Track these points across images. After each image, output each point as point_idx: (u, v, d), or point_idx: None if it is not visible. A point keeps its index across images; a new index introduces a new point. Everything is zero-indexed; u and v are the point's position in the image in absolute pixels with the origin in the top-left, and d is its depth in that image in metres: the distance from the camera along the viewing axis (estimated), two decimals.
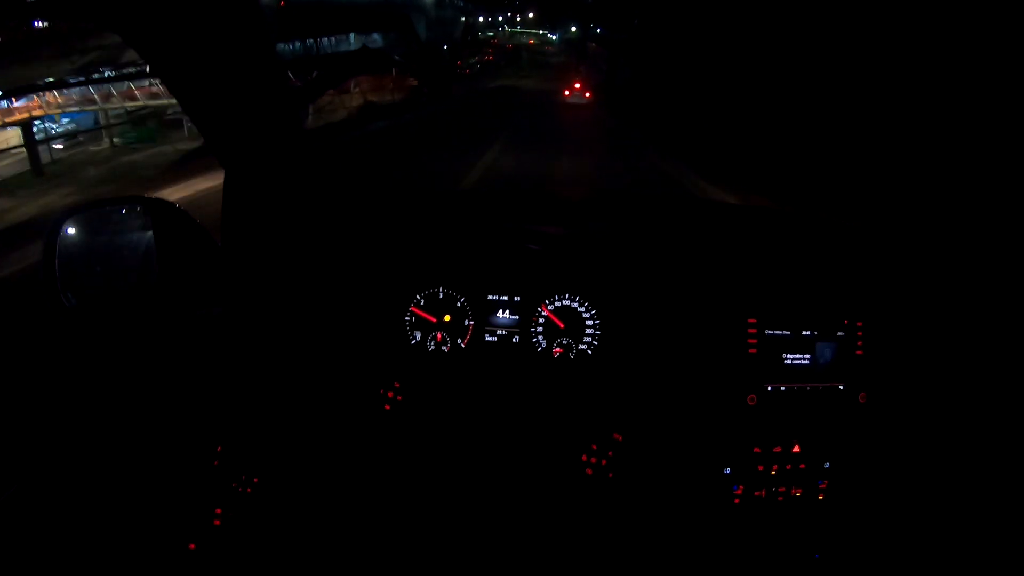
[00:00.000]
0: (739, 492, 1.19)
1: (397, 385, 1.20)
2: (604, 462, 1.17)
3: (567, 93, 23.12)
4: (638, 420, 1.19)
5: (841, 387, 1.19)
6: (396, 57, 25.63)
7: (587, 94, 23.55)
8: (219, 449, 1.12)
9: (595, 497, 1.19)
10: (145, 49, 0.96)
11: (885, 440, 1.21)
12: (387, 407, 1.21)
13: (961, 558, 1.19)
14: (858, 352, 1.20)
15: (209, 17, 0.94)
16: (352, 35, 27.30)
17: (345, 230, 1.30)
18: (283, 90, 1.11)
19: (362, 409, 1.20)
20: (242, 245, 1.17)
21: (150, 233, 1.04)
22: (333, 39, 26.36)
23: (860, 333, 1.20)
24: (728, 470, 1.19)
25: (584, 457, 1.17)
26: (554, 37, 65.14)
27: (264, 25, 1.05)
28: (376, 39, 28.43)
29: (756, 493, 1.20)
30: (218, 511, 1.10)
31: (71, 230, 1.03)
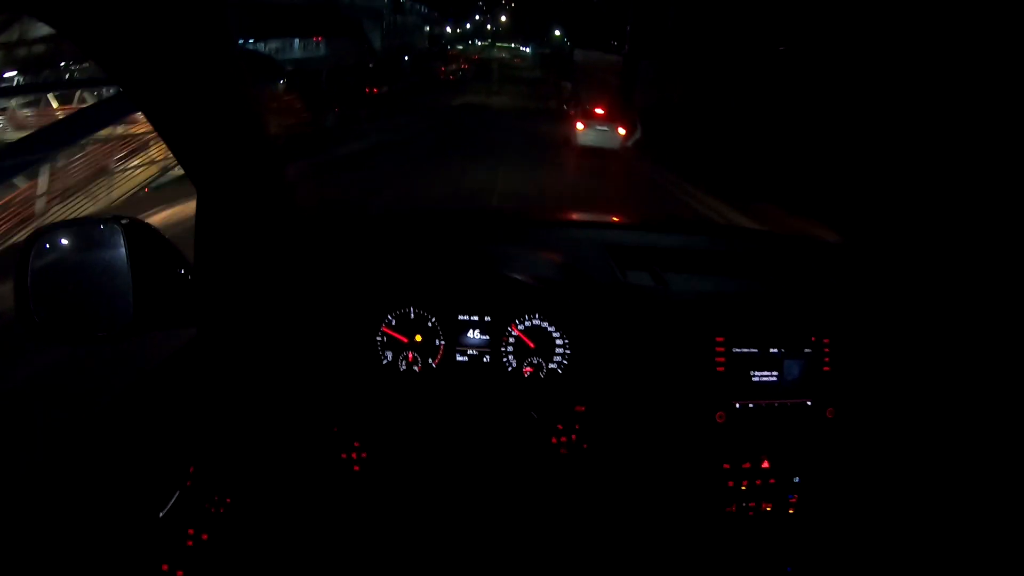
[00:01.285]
0: (710, 508, 1.26)
1: (357, 445, 1.25)
2: (574, 436, 1.22)
3: (580, 126, 13.49)
4: (606, 435, 1.24)
5: (809, 403, 1.27)
6: (287, 68, 19.84)
7: (620, 129, 13.56)
8: (191, 470, 1.16)
9: (566, 508, 1.24)
10: (107, 61, 0.96)
11: (853, 454, 1.29)
12: (356, 468, 1.25)
13: (930, 569, 1.26)
14: (825, 368, 1.27)
15: (176, 31, 0.96)
16: (296, 41, 25.10)
17: (316, 251, 1.35)
18: (255, 109, 1.15)
19: (328, 465, 1.24)
20: (215, 266, 1.21)
21: (123, 252, 1.07)
22: (264, 44, 23.77)
23: (827, 350, 1.27)
24: (698, 487, 1.26)
25: (554, 439, 1.23)
26: (527, 50, 65.40)
27: (233, 41, 1.08)
28: (320, 48, 26.34)
29: (727, 508, 1.26)
30: (191, 531, 1.13)
31: (46, 247, 1.06)
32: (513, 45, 69.54)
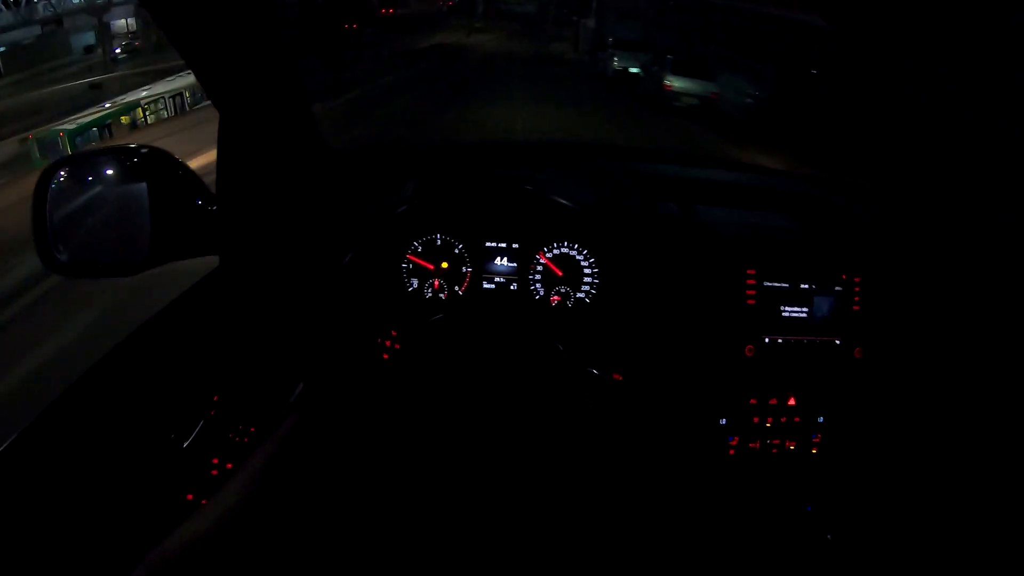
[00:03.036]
0: (734, 443, 1.31)
1: (395, 334, 1.28)
2: (604, 402, 1.26)
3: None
4: (635, 364, 1.28)
5: (837, 341, 1.30)
6: None
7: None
8: (215, 399, 1.22)
9: (593, 438, 1.27)
10: None
11: (879, 396, 1.33)
12: (385, 356, 1.29)
13: (952, 517, 1.31)
14: (855, 307, 1.30)
15: None
16: None
17: (341, 178, 1.39)
18: (279, 34, 1.19)
19: (359, 358, 1.28)
20: (237, 193, 1.26)
21: (143, 183, 1.12)
22: None
23: (858, 288, 1.30)
24: (724, 420, 1.30)
25: (585, 394, 1.26)
26: None
27: None
28: None
29: (751, 445, 1.31)
30: (215, 461, 1.20)
31: (62, 180, 1.11)
32: None
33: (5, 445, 1.03)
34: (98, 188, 1.17)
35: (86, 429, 1.14)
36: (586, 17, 28.77)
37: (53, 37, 27.05)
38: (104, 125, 16.50)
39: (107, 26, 28.31)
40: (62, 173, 1.13)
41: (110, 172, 1.18)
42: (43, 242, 1.09)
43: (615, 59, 19.10)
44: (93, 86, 21.21)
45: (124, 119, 17.09)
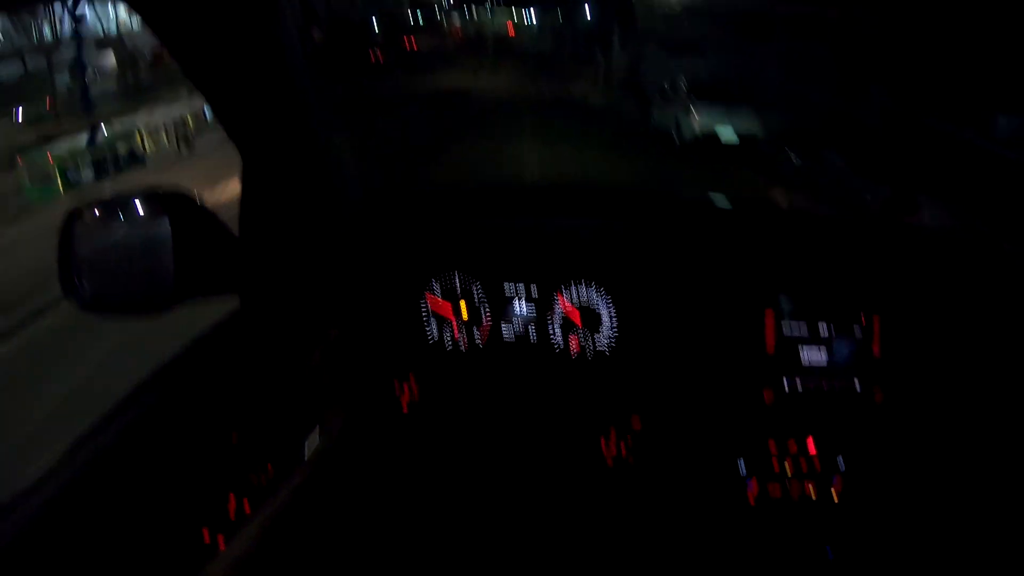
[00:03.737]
0: (753, 488, 1.33)
1: (412, 378, 1.32)
2: (624, 450, 1.30)
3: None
4: (655, 412, 1.32)
5: (857, 385, 1.32)
6: None
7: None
8: (234, 437, 1.25)
9: (614, 488, 1.32)
10: (154, 23, 1.05)
11: (901, 440, 1.34)
12: (404, 409, 1.33)
13: (976, 563, 1.31)
14: (875, 350, 1.32)
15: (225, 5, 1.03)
16: None
17: (362, 219, 1.43)
18: (301, 77, 1.24)
19: (379, 406, 1.32)
20: (259, 233, 1.30)
21: (167, 223, 1.16)
22: None
23: (878, 330, 1.32)
24: (742, 464, 1.32)
25: (603, 444, 1.30)
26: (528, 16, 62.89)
27: (277, 8, 1.15)
28: None
29: (770, 490, 1.33)
30: (231, 498, 1.22)
31: (88, 219, 1.17)
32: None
33: (33, 482, 1.05)
34: (123, 228, 1.22)
35: (107, 464, 1.16)
36: (608, 50, 23.84)
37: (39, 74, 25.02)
38: (99, 151, 15.83)
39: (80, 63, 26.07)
40: (87, 212, 1.18)
41: (134, 212, 1.21)
42: (68, 280, 1.14)
43: (694, 115, 11.83)
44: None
45: (122, 145, 16.41)
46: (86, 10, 22.77)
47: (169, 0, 0.99)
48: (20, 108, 18.16)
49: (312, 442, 1.25)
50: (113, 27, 22.95)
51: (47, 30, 23.89)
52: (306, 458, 1.23)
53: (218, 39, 1.09)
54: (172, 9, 1.01)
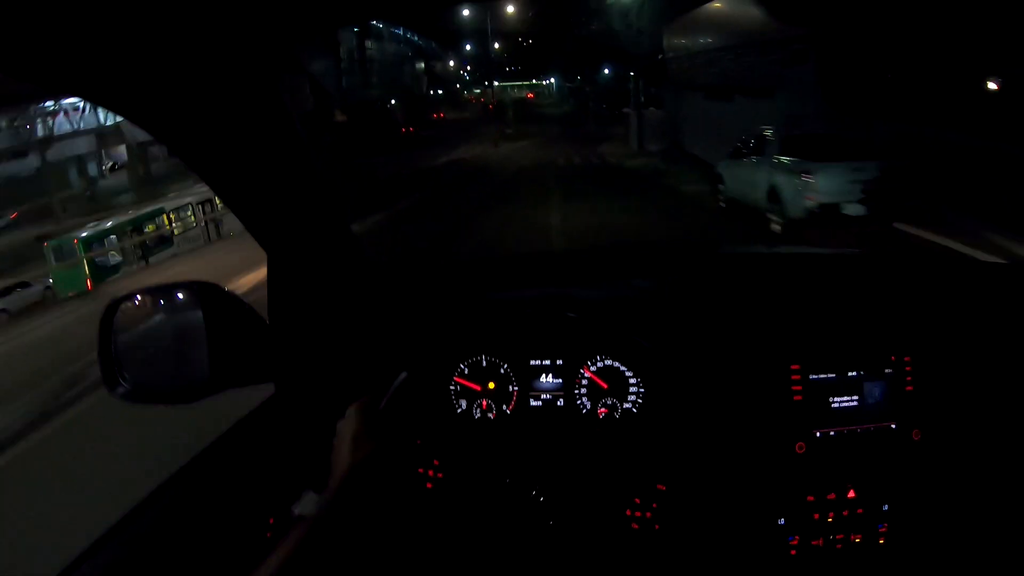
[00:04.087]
0: (795, 543, 1.31)
1: (437, 463, 1.34)
2: (649, 515, 1.30)
3: None
4: (684, 473, 1.31)
5: (893, 426, 1.31)
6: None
7: None
8: (272, 521, 1.28)
9: (643, 553, 1.31)
10: (168, 138, 1.09)
11: (943, 477, 1.32)
12: (428, 485, 1.35)
13: None
14: (908, 388, 1.31)
15: (230, 99, 1.09)
16: None
17: (387, 304, 1.49)
18: (315, 170, 1.30)
19: (403, 486, 1.34)
20: (289, 323, 1.36)
21: (200, 314, 1.21)
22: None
23: (909, 368, 1.31)
24: (782, 521, 1.31)
25: (628, 512, 1.30)
26: (547, 83, 62.50)
27: (286, 104, 1.21)
28: None
29: (813, 543, 1.31)
30: None
31: (125, 311, 1.23)
32: (535, 82, 66.03)
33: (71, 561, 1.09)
34: (158, 320, 1.29)
35: (139, 552, 1.18)
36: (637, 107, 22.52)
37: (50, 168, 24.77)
38: (123, 233, 15.40)
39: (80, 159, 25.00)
40: (125, 305, 1.24)
41: (168, 304, 1.30)
42: (108, 370, 1.20)
43: (805, 181, 8.74)
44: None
45: (150, 227, 16.13)
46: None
47: (160, 100, 1.02)
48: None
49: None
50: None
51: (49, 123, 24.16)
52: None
53: (217, 132, 1.13)
54: (166, 109, 1.05)
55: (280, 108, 1.17)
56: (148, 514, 1.22)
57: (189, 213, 17.19)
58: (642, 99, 23.22)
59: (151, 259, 15.19)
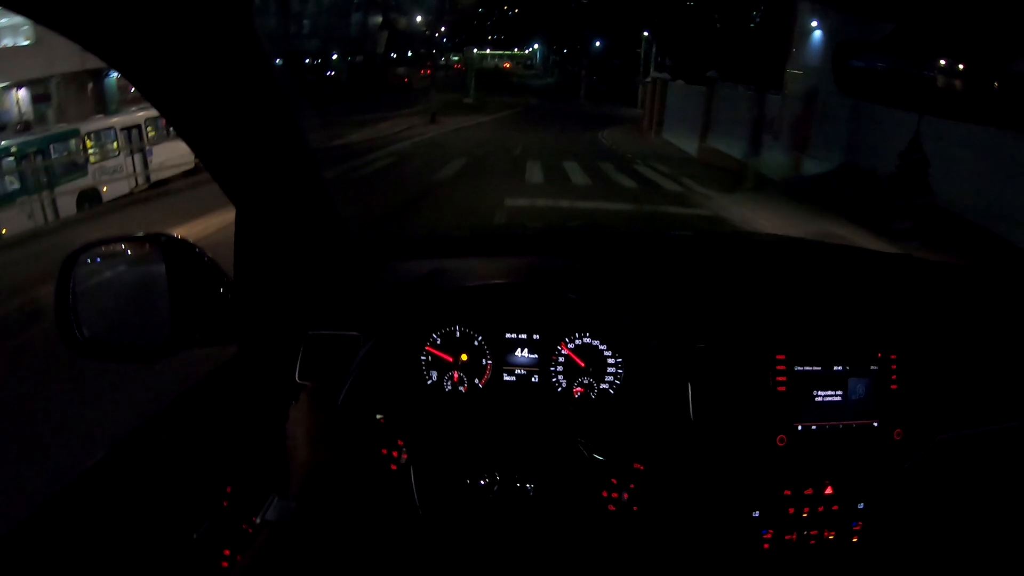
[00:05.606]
0: (768, 536, 1.36)
1: (401, 444, 1.34)
2: (627, 496, 1.32)
3: None
4: (661, 456, 1.34)
5: (875, 424, 1.36)
6: None
7: None
8: (229, 490, 1.29)
9: (619, 535, 1.33)
10: (137, 77, 1.08)
11: (922, 479, 1.37)
12: (393, 467, 1.35)
13: None
14: (892, 387, 1.37)
15: (209, 50, 1.08)
16: None
17: (361, 268, 1.49)
18: (292, 120, 1.28)
19: (365, 469, 1.28)
20: (255, 282, 1.36)
21: (163, 268, 1.23)
22: None
23: (895, 367, 1.36)
24: (757, 513, 1.36)
25: (605, 493, 1.32)
26: (530, 51, 61.96)
27: (268, 57, 1.19)
28: None
29: (787, 537, 1.36)
30: (226, 552, 1.27)
31: (86, 264, 1.23)
32: (516, 51, 65.30)
33: (7, 531, 1.09)
34: (119, 274, 1.30)
35: (97, 517, 1.21)
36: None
37: None
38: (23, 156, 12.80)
39: None
40: (85, 258, 1.24)
41: (131, 259, 1.30)
42: (65, 324, 1.20)
43: None
44: None
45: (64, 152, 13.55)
46: None
47: (144, 50, 1.02)
48: None
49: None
50: None
51: None
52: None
53: (199, 86, 1.12)
54: (148, 59, 1.04)
55: (254, 47, 1.13)
56: (104, 472, 1.24)
57: (113, 141, 15.01)
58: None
59: (57, 188, 13.05)
